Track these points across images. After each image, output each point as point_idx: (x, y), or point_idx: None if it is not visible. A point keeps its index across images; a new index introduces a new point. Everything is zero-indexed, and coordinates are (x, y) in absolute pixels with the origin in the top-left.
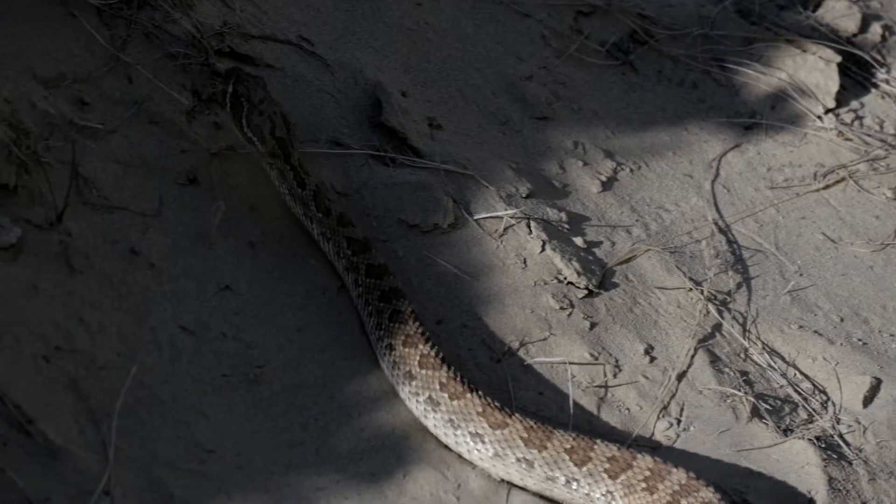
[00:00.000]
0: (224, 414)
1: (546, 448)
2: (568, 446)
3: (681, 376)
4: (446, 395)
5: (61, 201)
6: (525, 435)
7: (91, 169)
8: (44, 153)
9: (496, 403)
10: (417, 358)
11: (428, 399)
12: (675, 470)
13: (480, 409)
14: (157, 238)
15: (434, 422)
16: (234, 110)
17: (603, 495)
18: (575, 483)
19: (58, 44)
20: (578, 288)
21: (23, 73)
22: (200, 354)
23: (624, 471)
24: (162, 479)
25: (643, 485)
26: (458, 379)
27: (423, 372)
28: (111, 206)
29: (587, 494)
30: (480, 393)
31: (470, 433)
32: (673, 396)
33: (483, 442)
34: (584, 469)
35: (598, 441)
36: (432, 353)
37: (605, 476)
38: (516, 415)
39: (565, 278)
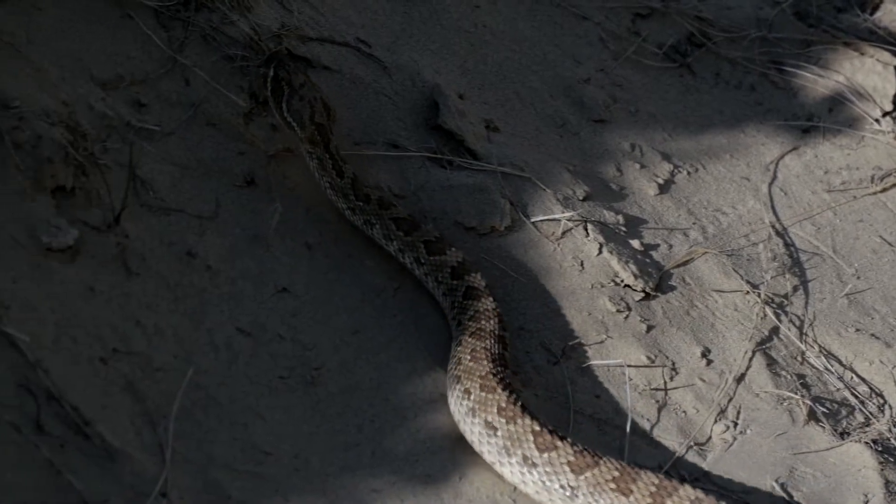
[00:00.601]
0: (281, 416)
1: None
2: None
3: (738, 379)
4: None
5: (118, 203)
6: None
7: (148, 171)
8: (101, 155)
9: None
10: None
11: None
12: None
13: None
14: (214, 240)
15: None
16: (275, 94)
17: None
18: None
19: (115, 46)
20: (635, 291)
21: (80, 75)
22: (257, 356)
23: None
24: (219, 480)
25: None
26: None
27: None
28: (168, 208)
29: None
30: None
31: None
32: (730, 399)
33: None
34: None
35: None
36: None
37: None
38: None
39: (622, 281)
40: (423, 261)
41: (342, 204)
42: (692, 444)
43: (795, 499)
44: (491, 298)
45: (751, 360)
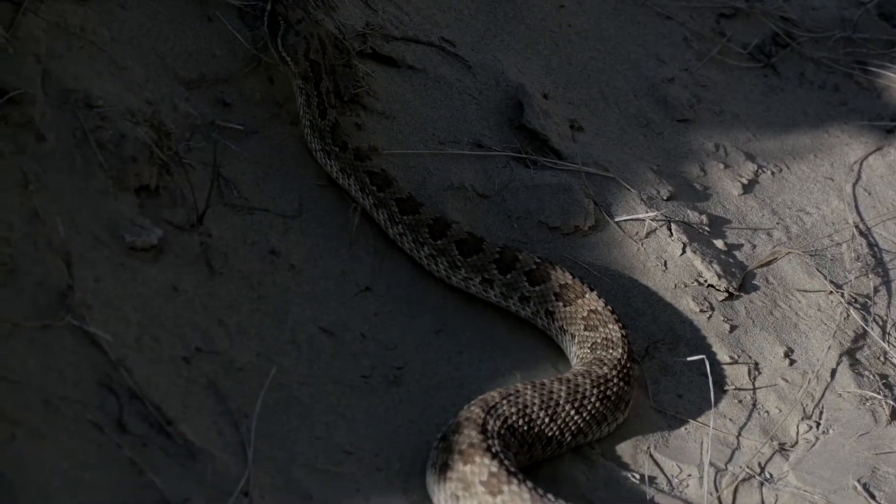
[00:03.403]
0: (362, 415)
1: None
2: None
3: (820, 379)
4: None
5: (202, 202)
6: None
7: (232, 170)
8: (185, 154)
9: None
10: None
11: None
12: None
13: None
14: (297, 239)
15: None
16: (271, 29)
17: None
18: None
19: (199, 45)
20: (719, 290)
21: (164, 75)
22: (339, 355)
23: None
24: (300, 480)
25: None
26: None
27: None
28: (252, 207)
29: None
30: None
31: None
32: (813, 399)
33: None
34: None
35: None
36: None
37: None
38: None
39: (706, 281)
40: (396, 219)
41: (316, 145)
42: (775, 443)
43: (877, 499)
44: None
45: (834, 360)
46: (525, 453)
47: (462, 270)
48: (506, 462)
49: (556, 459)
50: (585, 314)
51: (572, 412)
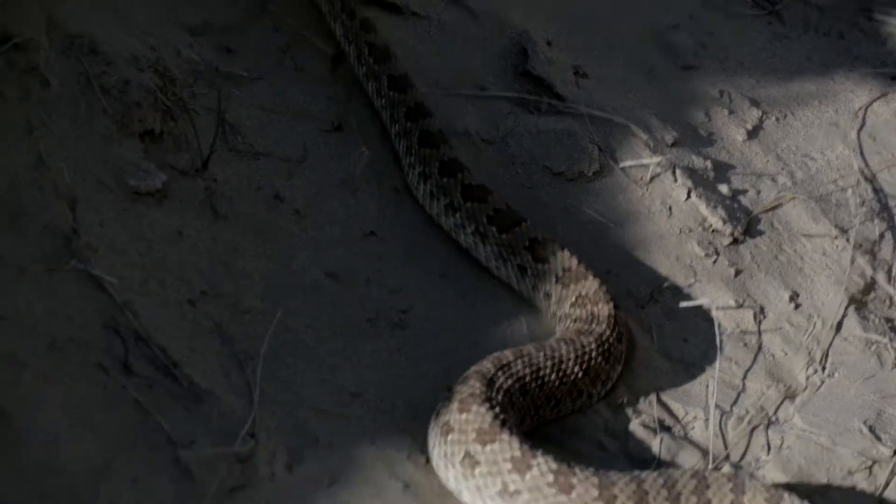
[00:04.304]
0: (368, 358)
1: None
2: None
3: (826, 323)
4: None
5: (206, 148)
6: None
7: (236, 116)
8: (189, 100)
9: None
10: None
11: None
12: None
13: None
14: (301, 184)
15: None
16: None
17: None
18: None
19: None
20: (723, 235)
21: (168, 22)
22: (344, 299)
23: None
24: (306, 421)
25: None
26: None
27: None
28: (256, 152)
29: None
30: None
31: None
32: (818, 343)
33: None
34: None
35: None
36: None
37: None
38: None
39: (710, 226)
40: (382, 93)
41: (325, 7)
42: (781, 387)
43: (883, 440)
44: None
45: (839, 304)
46: (533, 415)
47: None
48: (502, 415)
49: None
50: (574, 299)
51: (580, 373)
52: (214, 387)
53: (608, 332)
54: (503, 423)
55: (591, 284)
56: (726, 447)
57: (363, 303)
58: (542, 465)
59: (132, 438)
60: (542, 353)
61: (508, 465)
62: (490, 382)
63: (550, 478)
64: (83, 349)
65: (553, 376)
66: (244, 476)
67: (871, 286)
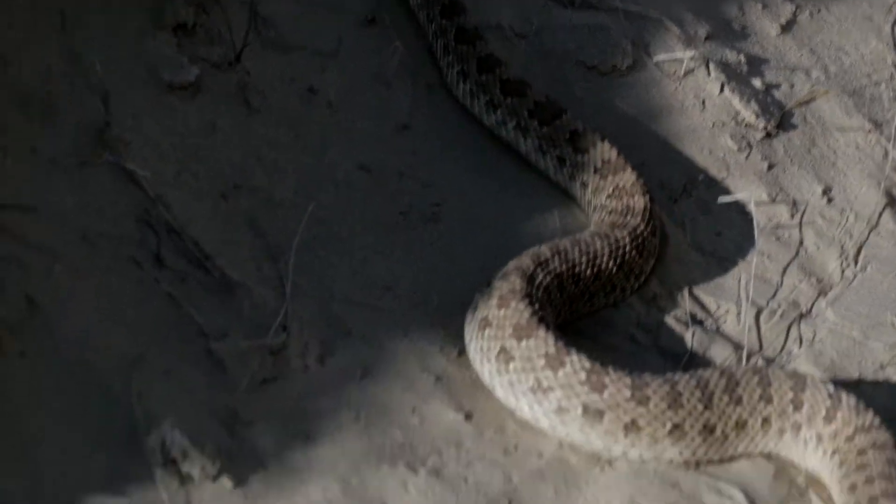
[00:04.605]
0: (400, 252)
1: None
2: None
3: (859, 217)
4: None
5: (239, 41)
6: None
7: (269, 8)
8: None
9: None
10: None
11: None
12: None
13: None
14: (335, 77)
15: None
16: None
17: None
18: None
19: None
20: (757, 129)
21: None
22: (377, 192)
23: None
24: (339, 314)
25: None
26: None
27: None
28: (289, 45)
29: None
30: None
31: None
32: (851, 237)
33: None
34: None
35: None
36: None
37: None
38: None
39: (744, 120)
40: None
41: None
42: (814, 280)
43: None
44: None
45: (872, 197)
46: (567, 309)
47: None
48: (541, 312)
49: None
50: (611, 190)
51: (614, 268)
52: (247, 279)
53: (642, 226)
54: (541, 320)
55: (628, 177)
56: (759, 341)
57: (396, 196)
58: (576, 363)
59: (164, 331)
60: (577, 249)
61: (542, 362)
62: (530, 279)
63: (583, 376)
64: (116, 242)
65: (588, 272)
66: (276, 368)
67: None
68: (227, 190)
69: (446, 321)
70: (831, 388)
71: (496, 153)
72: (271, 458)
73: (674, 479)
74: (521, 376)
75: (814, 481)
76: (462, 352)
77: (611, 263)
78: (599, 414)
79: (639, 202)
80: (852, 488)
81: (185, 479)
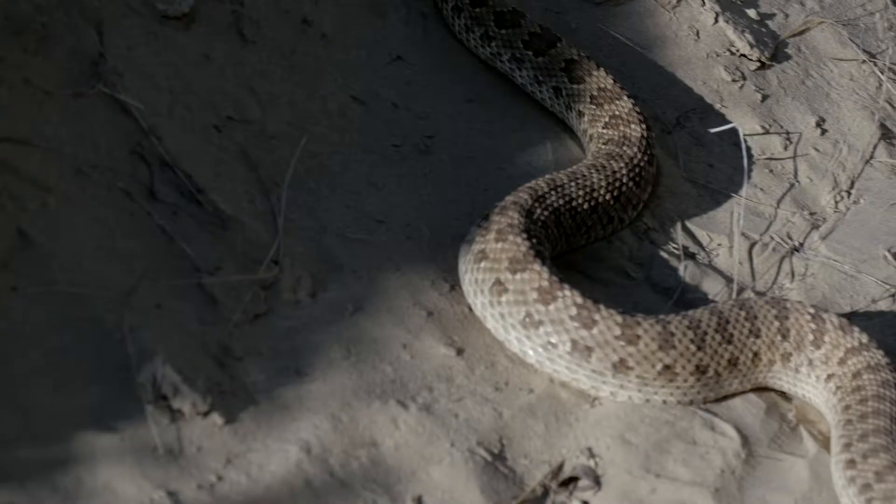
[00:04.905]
0: (393, 184)
1: None
2: None
3: (852, 149)
4: None
5: None
6: None
7: None
8: None
9: None
10: None
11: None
12: None
13: None
14: (329, 7)
15: None
16: None
17: None
18: None
19: None
20: (751, 60)
21: None
22: (370, 124)
23: None
24: (331, 248)
25: None
26: None
27: None
28: None
29: None
30: None
31: None
32: (844, 169)
33: None
34: None
35: None
36: None
37: None
38: None
39: (738, 50)
40: None
41: None
42: (806, 213)
43: None
44: None
45: (866, 129)
46: (564, 242)
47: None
48: (538, 247)
49: None
50: (608, 118)
51: (611, 200)
52: (239, 213)
53: (639, 155)
54: (537, 255)
55: (624, 104)
56: (751, 275)
57: (389, 128)
58: (567, 298)
59: (156, 265)
60: (574, 183)
61: (535, 295)
62: (528, 213)
63: (573, 311)
64: (109, 175)
65: (585, 206)
66: (268, 303)
67: None
68: (220, 122)
69: (438, 255)
70: (812, 310)
71: (491, 85)
72: (262, 395)
73: (665, 415)
74: (512, 309)
75: (804, 417)
76: (454, 286)
77: (608, 196)
78: (588, 351)
79: (635, 131)
80: (846, 409)
81: (175, 415)
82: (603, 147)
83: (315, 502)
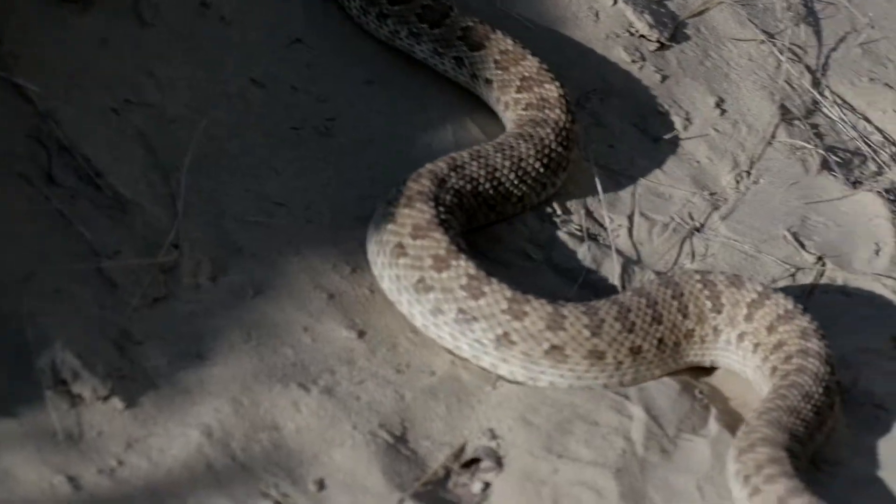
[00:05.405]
0: (293, 167)
1: None
2: None
3: (751, 129)
4: None
5: None
6: None
7: None
8: None
9: None
10: None
11: None
12: None
13: None
14: None
15: None
16: None
17: None
18: None
19: None
20: (650, 41)
21: None
22: (270, 107)
23: None
24: (231, 232)
25: None
26: None
27: None
28: None
29: None
30: None
31: None
32: (744, 149)
33: None
34: None
35: None
36: None
37: None
38: None
39: (637, 31)
40: None
41: None
42: (706, 193)
43: (807, 247)
44: None
45: (765, 110)
46: (468, 222)
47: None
48: (445, 216)
49: None
50: (519, 82)
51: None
52: (138, 197)
53: (563, 116)
54: (441, 223)
55: (531, 64)
56: (652, 256)
57: (289, 111)
58: (461, 268)
59: (55, 249)
60: (500, 154)
61: (430, 262)
62: (441, 182)
63: (464, 281)
64: (6, 159)
65: (512, 175)
66: (168, 287)
67: (797, 92)
68: (118, 106)
69: (339, 238)
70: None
71: (392, 65)
72: (162, 379)
73: (568, 397)
74: (407, 272)
75: (716, 396)
76: (355, 269)
77: (538, 164)
78: (473, 321)
79: (551, 91)
80: (773, 371)
81: (75, 400)
82: (524, 113)
83: (216, 486)
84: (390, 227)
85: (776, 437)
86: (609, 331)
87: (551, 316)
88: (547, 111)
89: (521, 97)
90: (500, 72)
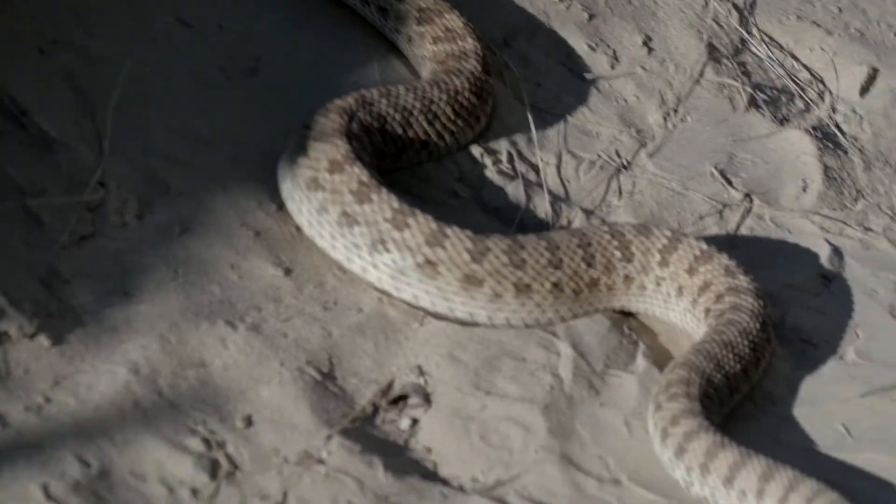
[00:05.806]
0: (220, 106)
1: None
2: None
3: (679, 67)
4: None
5: None
6: None
7: None
8: None
9: None
10: None
11: None
12: None
13: None
14: None
15: None
16: None
17: None
18: None
19: None
20: None
21: None
22: (196, 47)
23: None
24: (157, 170)
25: None
26: None
27: None
28: None
29: None
30: None
31: None
32: (671, 87)
33: None
34: None
35: None
36: None
37: None
38: None
39: None
40: None
41: None
42: (633, 131)
43: (734, 185)
44: None
45: (692, 48)
46: (403, 155)
47: None
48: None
49: None
50: (438, 34)
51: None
52: (64, 135)
53: (479, 68)
54: (357, 157)
55: (452, 19)
56: (579, 193)
57: (215, 50)
58: (384, 202)
59: None
60: (411, 94)
61: (350, 197)
62: (351, 117)
63: (388, 214)
64: None
65: (422, 118)
66: (94, 225)
67: (724, 30)
68: (44, 45)
69: (265, 176)
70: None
71: (319, 7)
72: (89, 316)
73: (495, 334)
74: (328, 206)
75: (644, 330)
76: (281, 206)
77: (448, 110)
78: (384, 245)
79: (470, 44)
80: (707, 313)
81: (2, 338)
82: (439, 65)
83: (144, 423)
84: (305, 162)
85: (694, 362)
86: (533, 264)
87: (476, 249)
88: (463, 62)
89: (439, 48)
90: (423, 25)
